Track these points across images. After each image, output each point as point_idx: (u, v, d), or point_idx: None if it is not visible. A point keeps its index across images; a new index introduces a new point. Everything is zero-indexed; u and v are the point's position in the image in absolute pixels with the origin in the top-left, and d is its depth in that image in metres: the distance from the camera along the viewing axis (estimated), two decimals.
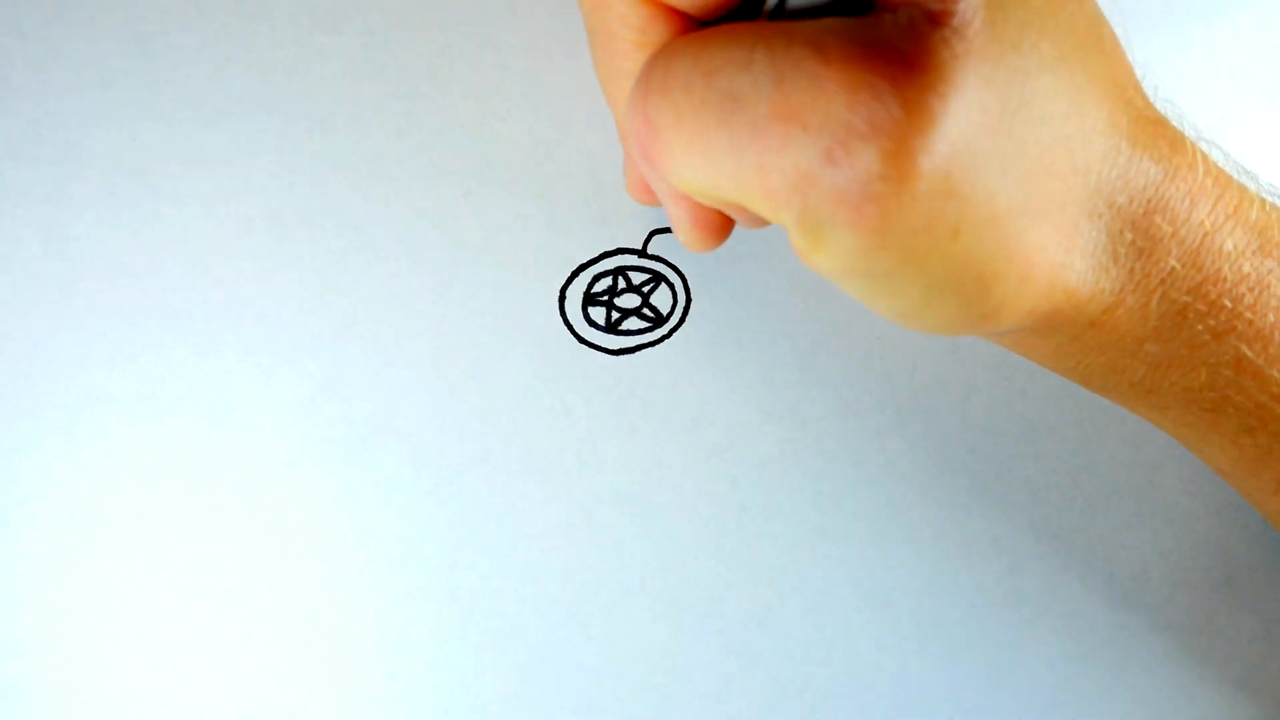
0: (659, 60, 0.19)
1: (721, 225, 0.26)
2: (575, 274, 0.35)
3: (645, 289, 0.35)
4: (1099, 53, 0.21)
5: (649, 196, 0.29)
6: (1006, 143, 0.18)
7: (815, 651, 0.32)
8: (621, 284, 0.35)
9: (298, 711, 0.31)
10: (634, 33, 0.21)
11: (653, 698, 0.31)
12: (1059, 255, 0.21)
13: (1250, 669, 0.32)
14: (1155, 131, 0.22)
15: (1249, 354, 0.24)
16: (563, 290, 0.34)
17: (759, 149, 0.18)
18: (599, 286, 0.35)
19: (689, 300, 0.35)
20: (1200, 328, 0.23)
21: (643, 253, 0.35)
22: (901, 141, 0.17)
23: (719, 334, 0.34)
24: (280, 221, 0.34)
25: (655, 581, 0.32)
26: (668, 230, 0.35)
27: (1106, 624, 0.33)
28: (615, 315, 0.35)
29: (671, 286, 0.35)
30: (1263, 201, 0.24)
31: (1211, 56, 0.39)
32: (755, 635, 0.32)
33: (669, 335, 0.35)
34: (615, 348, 0.34)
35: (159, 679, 0.31)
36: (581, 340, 0.34)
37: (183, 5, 0.34)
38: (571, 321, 0.34)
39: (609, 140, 0.35)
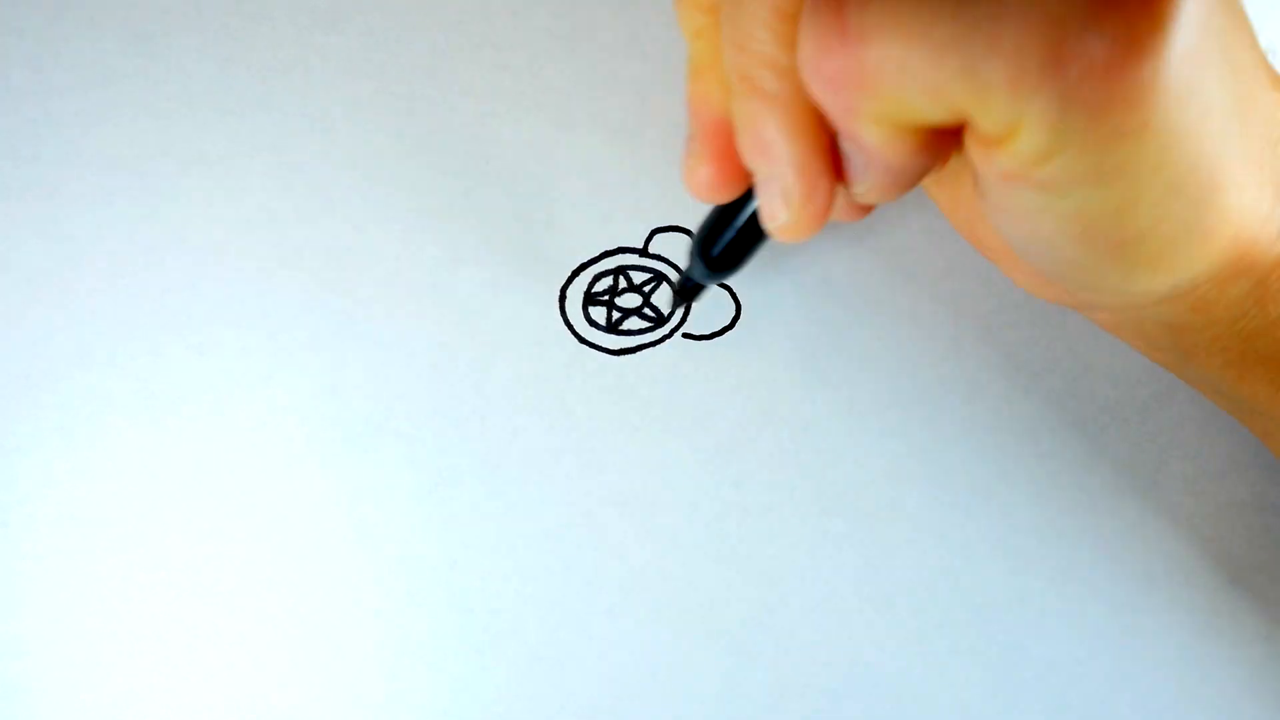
0: None
1: (829, 207, 0.23)
2: (575, 274, 0.35)
3: (646, 289, 0.35)
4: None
5: (724, 185, 0.25)
6: (1225, 47, 0.18)
7: (816, 652, 0.32)
8: (622, 284, 0.35)
9: (298, 712, 0.31)
10: None
11: (653, 698, 0.31)
12: (1254, 181, 0.21)
13: (1254, 670, 0.32)
14: None
15: None
16: (563, 290, 0.34)
17: (1008, 27, 0.17)
18: (599, 286, 0.35)
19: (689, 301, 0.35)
20: None
21: (644, 252, 0.35)
22: (1165, 4, 0.17)
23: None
24: (280, 221, 0.34)
25: (656, 582, 0.32)
26: (670, 229, 0.35)
27: (1109, 625, 0.32)
28: (616, 315, 0.35)
29: (672, 286, 0.35)
30: None
31: None
32: (756, 636, 0.32)
33: (670, 335, 0.34)
34: (615, 348, 0.34)
35: (159, 679, 0.31)
36: (582, 340, 0.34)
37: (183, 5, 0.34)
38: (572, 321, 0.34)
39: (609, 140, 0.35)
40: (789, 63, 0.20)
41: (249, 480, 0.32)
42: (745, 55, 0.21)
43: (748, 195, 0.26)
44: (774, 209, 0.23)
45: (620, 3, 0.36)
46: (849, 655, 0.32)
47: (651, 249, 0.35)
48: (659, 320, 0.35)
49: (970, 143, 0.20)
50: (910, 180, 0.22)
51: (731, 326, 0.34)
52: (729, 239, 0.27)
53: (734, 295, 0.35)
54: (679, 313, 0.35)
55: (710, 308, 0.35)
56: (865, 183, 0.22)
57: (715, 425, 0.34)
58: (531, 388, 0.33)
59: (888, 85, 0.18)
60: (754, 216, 0.26)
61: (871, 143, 0.20)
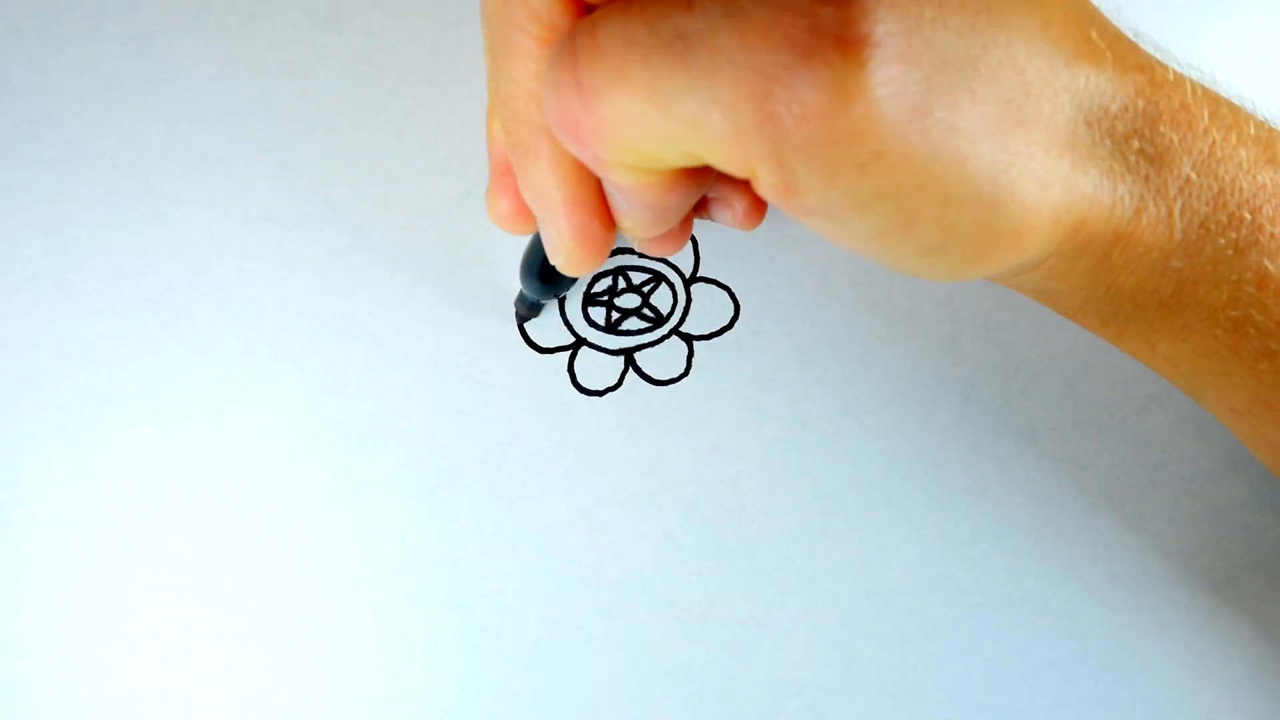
0: (582, 29, 0.19)
1: (606, 243, 0.25)
2: None
3: (645, 289, 0.35)
4: None
5: (521, 219, 0.27)
6: (971, 60, 0.19)
7: (815, 651, 0.32)
8: (621, 284, 0.35)
9: (298, 711, 0.31)
10: (542, 27, 0.20)
11: (653, 698, 0.31)
12: (1067, 162, 0.21)
13: (1251, 669, 0.32)
14: (1131, 49, 0.23)
15: (1271, 269, 0.24)
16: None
17: (722, 83, 0.17)
18: (599, 286, 0.35)
19: (689, 300, 0.35)
20: (1222, 241, 0.24)
21: (642, 253, 0.35)
22: (860, 33, 0.17)
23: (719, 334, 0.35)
24: (280, 221, 0.34)
25: (655, 581, 0.32)
26: None
27: (1107, 624, 0.32)
28: (615, 315, 0.35)
29: (672, 286, 0.35)
30: (1258, 118, 0.25)
31: (1211, 56, 0.38)
32: (755, 635, 0.32)
33: (669, 335, 0.35)
34: (615, 348, 0.34)
35: (159, 679, 0.31)
36: (582, 340, 0.34)
37: (183, 5, 0.34)
38: (571, 321, 0.34)
39: None
40: (543, 119, 0.21)
41: (249, 480, 0.32)
42: (507, 110, 0.22)
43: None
44: (552, 248, 0.25)
45: None
46: (847, 653, 0.32)
47: None
48: (658, 320, 0.35)
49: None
50: (675, 213, 0.23)
51: (731, 326, 0.34)
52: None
53: (733, 295, 0.35)
54: (679, 313, 0.35)
55: (710, 308, 0.35)
56: (631, 219, 0.23)
57: (714, 425, 0.34)
58: (531, 388, 0.33)
59: (623, 136, 0.19)
60: None
61: (625, 185, 0.21)
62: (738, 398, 0.34)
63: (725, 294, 0.35)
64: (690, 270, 0.35)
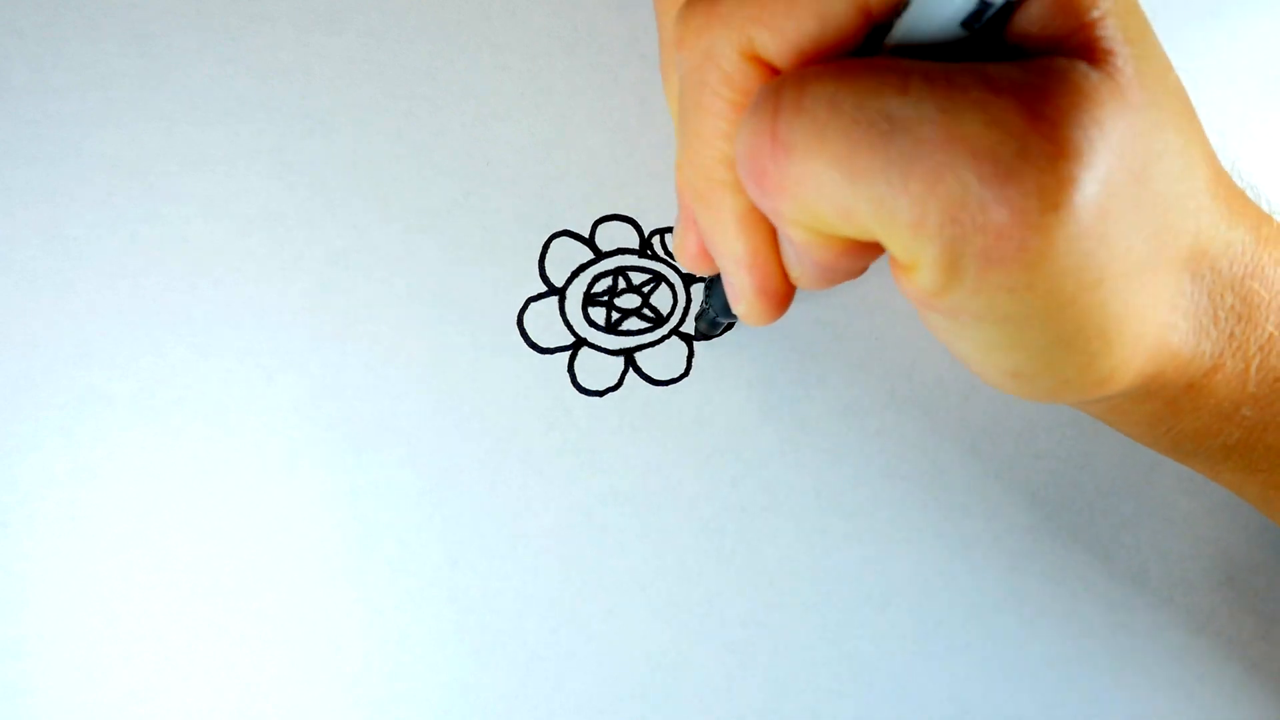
0: (789, 84, 0.19)
1: (785, 295, 0.25)
2: (575, 274, 0.35)
3: (645, 289, 0.35)
4: (1195, 119, 0.21)
5: (705, 263, 0.27)
6: (1141, 191, 0.19)
7: (815, 651, 0.32)
8: (622, 284, 0.35)
9: (298, 711, 0.31)
10: (735, 91, 0.21)
11: (653, 698, 0.31)
12: (1166, 314, 0.21)
13: (1250, 668, 0.32)
14: (1243, 200, 0.23)
15: None
16: (563, 290, 0.34)
17: (918, 174, 0.17)
18: (599, 286, 0.35)
19: (689, 300, 0.35)
20: None
21: (643, 253, 0.35)
22: (1064, 174, 0.17)
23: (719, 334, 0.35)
24: (280, 221, 0.34)
25: (655, 581, 0.32)
26: (669, 230, 0.35)
27: (1106, 623, 0.33)
28: (615, 315, 0.35)
29: (672, 286, 0.35)
30: None
31: (1211, 56, 0.39)
32: (755, 635, 0.32)
33: (669, 335, 0.35)
34: (615, 348, 0.34)
35: (159, 679, 0.31)
36: (582, 340, 0.34)
37: (183, 5, 0.34)
38: (571, 321, 0.34)
39: (609, 140, 0.35)
40: (731, 177, 0.22)
41: (249, 480, 0.32)
42: (693, 165, 0.22)
43: None
44: (734, 297, 0.25)
45: (620, 3, 0.36)
46: (847, 652, 0.32)
47: (650, 249, 0.35)
48: (658, 320, 0.35)
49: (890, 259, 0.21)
50: (840, 275, 0.23)
51: (731, 327, 0.34)
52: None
53: None
54: (679, 313, 0.35)
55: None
56: (799, 271, 0.23)
57: (714, 425, 0.34)
58: (531, 388, 0.33)
59: (806, 197, 0.19)
60: None
61: (798, 241, 0.21)
62: (738, 398, 0.34)
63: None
64: None
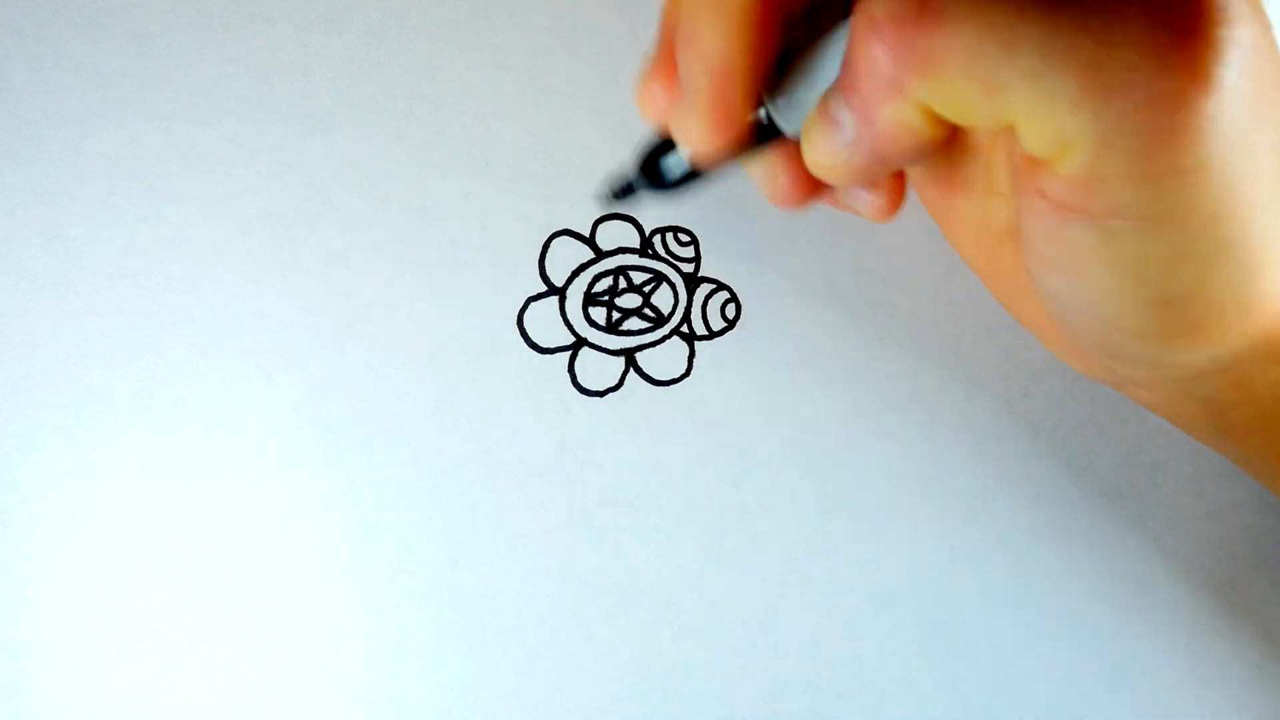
0: None
1: (739, 117, 0.21)
2: (576, 273, 0.35)
3: (646, 289, 0.35)
4: None
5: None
6: (1273, 115, 0.18)
7: (816, 652, 0.32)
8: (622, 284, 0.35)
9: (298, 711, 0.31)
10: None
11: (653, 698, 0.31)
12: None
13: (1253, 669, 0.32)
14: None
15: None
16: (563, 290, 0.34)
17: (1087, 43, 0.17)
18: (600, 286, 0.35)
19: (690, 300, 0.35)
20: None
21: (644, 252, 0.35)
22: (1224, 45, 0.17)
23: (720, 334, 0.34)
24: (280, 221, 0.34)
25: (655, 582, 0.32)
26: (670, 229, 0.35)
27: (1109, 625, 0.32)
28: (616, 315, 0.35)
29: (673, 286, 0.35)
30: None
31: None
32: (756, 636, 0.32)
33: (670, 335, 0.34)
34: (616, 348, 0.34)
35: (159, 679, 0.31)
36: (582, 340, 0.34)
37: (183, 5, 0.34)
38: (572, 321, 0.34)
39: (609, 140, 0.35)
40: None
41: (249, 480, 0.32)
42: None
43: None
44: (682, 108, 0.22)
45: (620, 3, 0.36)
46: (847, 653, 0.32)
47: (651, 249, 0.35)
48: (659, 320, 0.35)
49: (1016, 165, 0.20)
50: (877, 174, 0.21)
51: (732, 326, 0.34)
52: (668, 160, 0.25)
53: (734, 295, 0.35)
54: (679, 313, 0.35)
55: (710, 307, 0.35)
56: (834, 155, 0.21)
57: (715, 426, 0.34)
58: (531, 388, 0.33)
59: (951, 71, 0.17)
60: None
61: (887, 122, 0.19)
62: (739, 398, 0.34)
63: (726, 293, 0.35)
64: (691, 270, 0.35)
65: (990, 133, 0.20)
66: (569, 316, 0.34)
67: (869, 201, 0.24)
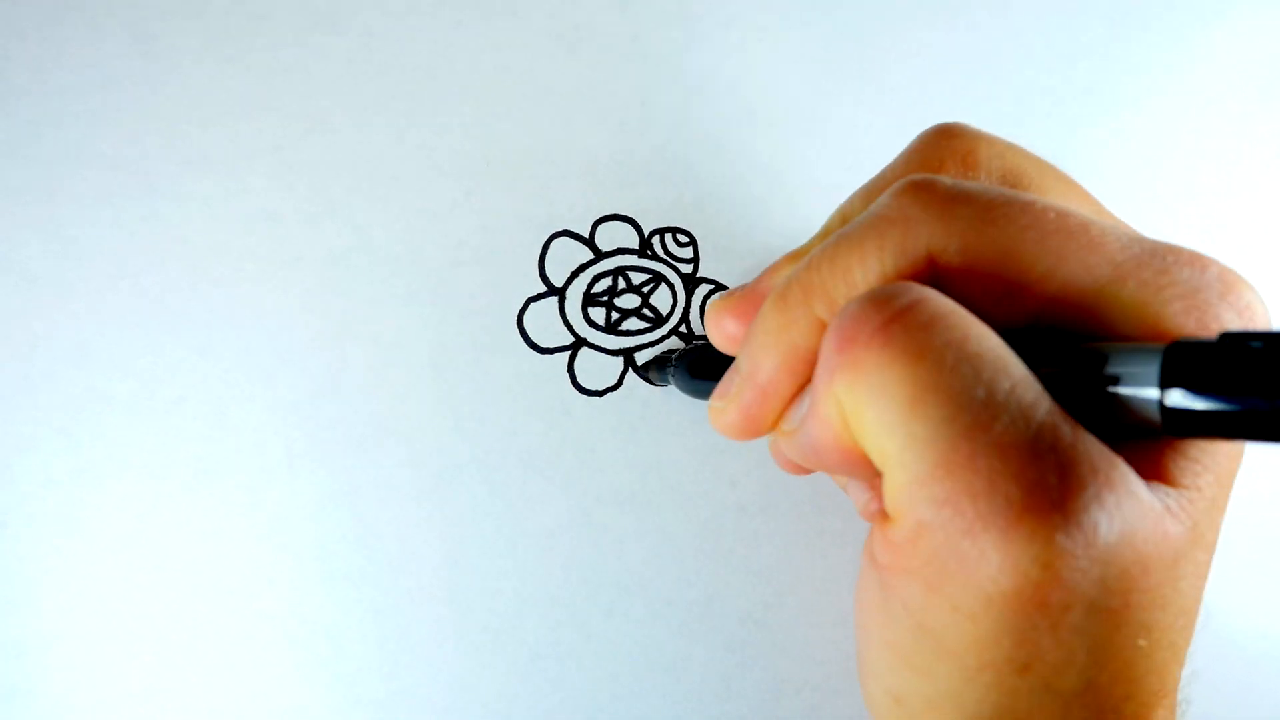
0: (937, 298, 0.19)
1: (760, 430, 0.25)
2: (575, 274, 0.35)
3: (645, 289, 0.35)
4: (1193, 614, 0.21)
5: (730, 343, 0.26)
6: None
7: (814, 651, 0.32)
8: (621, 284, 0.35)
9: (297, 711, 0.31)
10: (903, 260, 0.20)
11: (652, 697, 0.31)
12: None
13: (1249, 666, 0.33)
14: None
15: None
16: (563, 290, 0.34)
17: (983, 456, 0.17)
18: (599, 286, 0.35)
19: (689, 301, 0.35)
20: None
21: (643, 253, 0.35)
22: (1076, 531, 0.17)
23: None
24: (280, 221, 0.34)
25: (654, 581, 0.32)
26: (669, 230, 0.35)
27: None
28: (615, 315, 0.35)
29: (671, 287, 0.35)
30: None
31: (1211, 57, 0.39)
32: (754, 634, 0.32)
33: (669, 335, 0.35)
34: (615, 348, 0.34)
35: (159, 679, 0.31)
36: (581, 340, 0.34)
37: (183, 5, 0.34)
38: (571, 321, 0.34)
39: (609, 140, 0.35)
40: (817, 316, 0.21)
41: (249, 480, 0.32)
42: (813, 271, 0.22)
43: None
44: (721, 394, 0.25)
45: (620, 3, 0.36)
46: (845, 652, 0.32)
47: (650, 250, 0.35)
48: (658, 320, 0.35)
49: (878, 510, 0.21)
50: (828, 466, 0.23)
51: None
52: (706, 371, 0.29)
53: None
54: (679, 313, 0.35)
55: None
56: (791, 427, 0.23)
57: None
58: (531, 388, 0.33)
59: (865, 385, 0.19)
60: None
61: (820, 409, 0.21)
62: None
63: None
64: (690, 271, 0.35)
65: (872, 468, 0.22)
66: (568, 317, 0.34)
67: (861, 499, 0.25)
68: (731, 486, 0.33)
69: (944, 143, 0.23)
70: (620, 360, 0.34)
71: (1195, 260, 0.19)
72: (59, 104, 0.33)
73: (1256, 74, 0.39)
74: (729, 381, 0.24)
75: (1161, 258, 0.19)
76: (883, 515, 0.20)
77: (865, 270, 0.21)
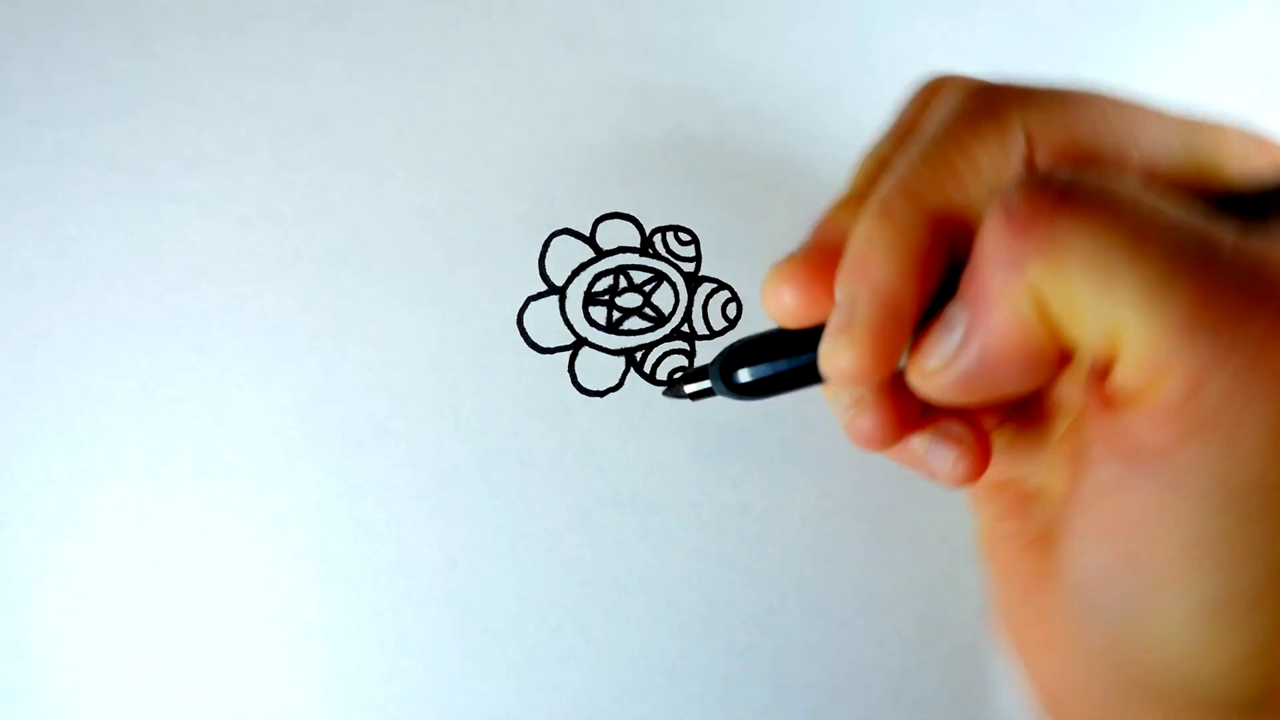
0: (1059, 165, 0.18)
1: (895, 352, 0.21)
2: (576, 273, 0.35)
3: (646, 288, 0.35)
4: None
5: (806, 301, 0.23)
6: None
7: (816, 653, 0.32)
8: (623, 283, 0.35)
9: (297, 711, 0.31)
10: (1008, 153, 0.20)
11: (653, 699, 0.31)
12: None
13: None
14: None
15: None
16: (563, 290, 0.34)
17: (1229, 274, 0.16)
18: (600, 285, 0.35)
19: (690, 300, 0.35)
20: None
21: (644, 251, 0.35)
22: None
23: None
24: (279, 221, 0.34)
25: (655, 582, 0.32)
26: (670, 228, 0.35)
27: None
28: (616, 315, 0.34)
29: (673, 285, 0.35)
30: None
31: (1212, 56, 0.38)
32: (755, 637, 0.32)
33: (670, 335, 0.34)
34: (615, 347, 0.34)
35: (159, 679, 0.31)
36: (582, 340, 0.34)
37: (183, 4, 0.34)
38: (572, 321, 0.34)
39: (609, 139, 0.35)
40: (936, 206, 0.20)
41: (249, 480, 0.32)
42: (911, 176, 0.20)
43: (810, 335, 0.23)
44: (836, 330, 0.21)
45: (620, 3, 0.36)
46: (847, 655, 0.32)
47: (652, 248, 0.35)
48: (659, 320, 0.35)
49: (1093, 409, 0.19)
50: (992, 388, 0.20)
51: (733, 326, 0.34)
52: (769, 364, 0.25)
53: (735, 294, 0.35)
54: (680, 312, 0.35)
55: (711, 306, 0.35)
56: (944, 358, 0.20)
57: (715, 426, 0.34)
58: (532, 388, 0.33)
59: (1072, 262, 0.17)
60: (804, 360, 0.24)
61: (999, 314, 0.18)
62: None
63: (728, 293, 0.35)
64: (692, 269, 0.35)
65: (1084, 356, 0.19)
66: (569, 316, 0.34)
67: (949, 459, 0.23)
68: (734, 488, 0.33)
69: (941, 83, 0.22)
70: (622, 360, 0.34)
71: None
72: (58, 103, 0.33)
73: (1257, 74, 0.39)
74: (839, 315, 0.21)
75: (1203, 117, 0.19)
76: (1110, 404, 0.18)
77: (990, 157, 0.19)
